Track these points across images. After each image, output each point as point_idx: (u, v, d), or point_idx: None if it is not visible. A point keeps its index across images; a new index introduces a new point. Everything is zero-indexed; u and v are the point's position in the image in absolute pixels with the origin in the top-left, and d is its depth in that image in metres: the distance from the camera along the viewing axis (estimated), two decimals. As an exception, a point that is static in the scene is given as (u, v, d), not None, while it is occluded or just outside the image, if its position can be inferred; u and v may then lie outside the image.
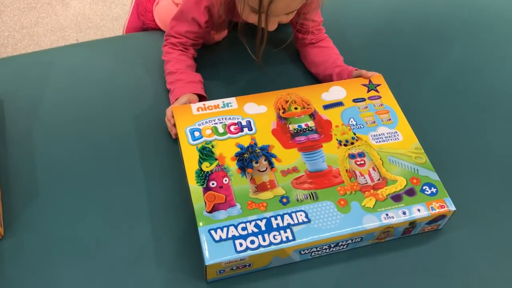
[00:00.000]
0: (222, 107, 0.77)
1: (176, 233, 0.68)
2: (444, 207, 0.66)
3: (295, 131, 0.74)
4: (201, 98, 0.83)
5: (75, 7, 1.86)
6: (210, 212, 0.65)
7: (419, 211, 0.65)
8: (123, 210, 0.70)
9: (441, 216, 0.67)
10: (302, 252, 0.64)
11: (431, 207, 0.66)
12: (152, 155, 0.77)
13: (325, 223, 0.64)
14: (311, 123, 0.75)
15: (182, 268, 0.65)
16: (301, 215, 0.65)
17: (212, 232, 0.63)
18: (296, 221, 0.64)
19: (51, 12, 1.84)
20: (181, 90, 0.80)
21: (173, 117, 0.76)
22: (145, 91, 0.87)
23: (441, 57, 0.96)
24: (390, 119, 0.76)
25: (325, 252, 0.66)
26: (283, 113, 0.76)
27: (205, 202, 0.66)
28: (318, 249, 0.65)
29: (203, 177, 0.68)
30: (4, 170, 0.73)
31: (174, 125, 0.76)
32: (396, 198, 0.67)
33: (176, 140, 0.76)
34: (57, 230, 0.67)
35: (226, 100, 0.78)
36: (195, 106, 0.77)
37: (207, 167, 0.70)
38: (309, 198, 0.66)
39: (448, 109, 0.87)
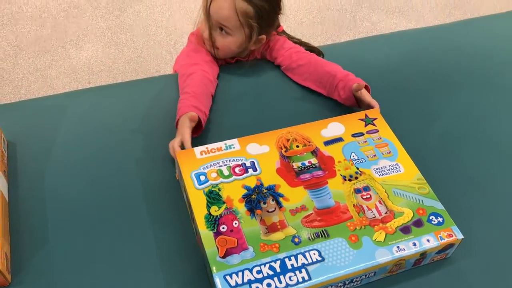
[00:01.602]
0: (225, 149, 0.79)
1: (187, 280, 0.69)
2: (452, 236, 0.68)
3: (299, 169, 0.76)
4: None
5: (88, 50, 1.89)
6: (223, 257, 0.65)
7: (428, 242, 0.68)
8: (131, 258, 0.70)
9: (450, 245, 0.69)
10: (318, 291, 0.66)
11: (440, 237, 0.68)
12: (159, 201, 0.77)
13: (339, 260, 0.65)
14: (314, 160, 0.77)
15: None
16: (314, 254, 0.66)
17: (228, 277, 0.63)
18: (310, 261, 0.65)
19: (64, 55, 1.87)
20: (185, 109, 0.84)
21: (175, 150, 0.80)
22: (154, 136, 0.87)
23: (449, 102, 0.98)
24: (390, 152, 0.79)
25: (340, 289, 0.68)
26: (285, 151, 0.78)
27: (217, 247, 0.66)
28: (333, 286, 0.66)
29: (213, 222, 0.69)
30: (15, 215, 0.73)
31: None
32: (405, 230, 0.69)
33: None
34: (64, 278, 0.67)
35: (228, 142, 0.80)
36: (198, 149, 0.78)
37: (215, 211, 0.71)
38: (320, 236, 0.68)
39: (453, 147, 0.89)
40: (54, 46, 1.92)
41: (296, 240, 0.68)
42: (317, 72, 0.95)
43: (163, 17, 2.07)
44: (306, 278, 0.64)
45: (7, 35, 1.94)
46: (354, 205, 0.72)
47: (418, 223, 0.70)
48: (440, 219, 0.70)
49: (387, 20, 1.98)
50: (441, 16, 2.02)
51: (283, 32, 1.08)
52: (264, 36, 0.96)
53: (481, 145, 0.90)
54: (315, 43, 1.91)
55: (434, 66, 1.07)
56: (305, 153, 0.78)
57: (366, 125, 0.83)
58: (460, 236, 0.69)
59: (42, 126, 0.87)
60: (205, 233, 0.68)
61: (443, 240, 0.68)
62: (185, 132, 0.80)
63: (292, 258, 0.66)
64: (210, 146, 0.79)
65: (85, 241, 0.72)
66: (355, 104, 0.91)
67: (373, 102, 0.87)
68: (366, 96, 0.88)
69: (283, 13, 0.97)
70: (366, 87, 0.89)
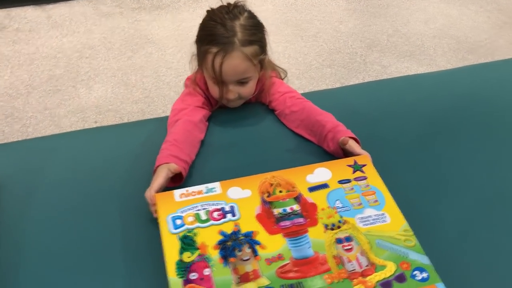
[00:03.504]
0: (205, 192, 0.78)
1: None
2: (437, 294, 0.65)
3: (280, 215, 0.75)
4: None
5: (98, 90, 1.96)
6: (191, 307, 0.64)
7: (411, 300, 0.64)
8: None
9: (435, 304, 0.65)
10: None
11: (423, 295, 0.65)
12: (139, 249, 0.77)
13: (313, 316, 0.63)
14: (296, 207, 0.76)
15: None
16: (287, 308, 0.63)
17: (193, 330, 0.61)
18: (281, 315, 0.63)
19: (74, 95, 1.94)
20: (164, 159, 0.83)
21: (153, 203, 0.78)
22: (141, 180, 0.85)
23: (450, 150, 0.96)
24: (376, 201, 0.77)
25: None
26: (267, 196, 0.77)
27: (186, 296, 0.65)
28: None
29: (184, 269, 0.68)
30: None
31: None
32: (386, 285, 0.66)
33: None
34: None
35: (210, 185, 0.79)
36: (178, 192, 0.78)
37: (188, 257, 0.69)
38: (295, 288, 0.65)
39: (447, 197, 0.86)
40: (65, 86, 1.99)
41: (269, 292, 0.65)
42: (309, 119, 0.95)
43: (174, 58, 2.14)
44: (276, 334, 0.61)
45: (22, 75, 2.03)
46: (334, 256, 0.69)
47: (400, 278, 0.66)
48: (424, 275, 0.67)
49: (398, 64, 1.99)
50: (454, 60, 2.02)
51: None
52: (267, 57, 0.99)
53: (479, 196, 0.87)
54: (323, 86, 1.94)
55: (437, 112, 1.06)
56: (287, 199, 0.77)
57: (354, 172, 0.81)
58: (446, 294, 0.65)
59: (29, 168, 0.89)
60: (174, 281, 0.66)
61: (426, 298, 0.64)
62: (155, 181, 0.80)
63: (263, 311, 0.63)
64: (191, 188, 0.79)
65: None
66: (343, 156, 0.88)
67: (363, 152, 0.85)
68: (355, 147, 0.85)
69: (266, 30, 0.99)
70: (355, 139, 0.88)
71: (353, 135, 0.88)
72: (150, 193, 0.78)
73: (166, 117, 1.04)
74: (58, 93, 1.97)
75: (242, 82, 0.94)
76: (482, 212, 0.84)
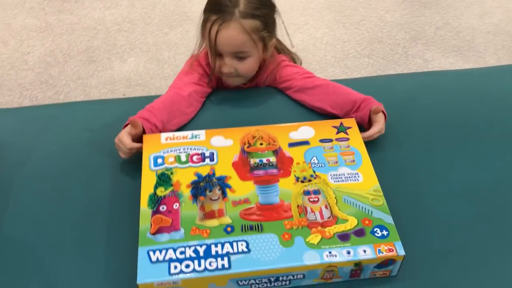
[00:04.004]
0: (190, 138, 0.87)
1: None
2: (393, 251, 0.68)
3: (255, 165, 0.82)
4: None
5: (131, 64, 2.11)
6: (153, 234, 0.72)
7: (364, 252, 0.68)
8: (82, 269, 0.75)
9: (390, 261, 0.69)
10: (240, 283, 0.69)
11: (379, 250, 0.69)
12: (121, 220, 0.81)
13: (264, 255, 0.69)
14: (272, 159, 0.82)
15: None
16: (242, 244, 0.70)
17: (151, 253, 0.69)
18: (235, 251, 0.69)
19: (107, 67, 2.10)
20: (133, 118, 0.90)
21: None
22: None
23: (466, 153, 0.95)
24: (353, 161, 0.81)
25: (267, 286, 0.70)
26: (247, 147, 0.84)
27: (151, 224, 0.73)
28: (257, 281, 0.69)
29: (155, 201, 0.76)
30: None
31: (128, 147, 0.86)
32: (343, 237, 0.70)
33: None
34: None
35: (196, 132, 0.88)
36: (165, 135, 0.87)
37: (161, 192, 0.78)
38: (254, 229, 0.72)
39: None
40: (100, 57, 2.16)
41: (229, 229, 0.72)
42: (336, 92, 0.98)
43: (209, 37, 2.25)
44: (226, 266, 0.67)
45: (62, 43, 2.23)
46: (298, 206, 0.75)
47: (359, 233, 0.71)
48: (385, 232, 0.71)
49: (442, 59, 1.98)
50: (505, 59, 1.98)
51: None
52: (274, 41, 1.02)
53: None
54: (357, 76, 1.97)
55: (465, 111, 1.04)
56: (266, 151, 0.84)
57: (338, 133, 0.86)
58: (402, 252, 0.68)
59: (30, 134, 0.97)
60: (144, 210, 0.75)
61: (381, 254, 0.68)
62: (123, 131, 0.88)
63: (219, 245, 0.70)
64: (177, 133, 0.88)
65: (38, 258, 0.76)
66: (367, 127, 0.93)
67: (382, 127, 0.90)
68: (380, 124, 0.90)
69: (277, 10, 1.02)
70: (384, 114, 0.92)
71: (383, 109, 0.92)
72: (120, 135, 0.87)
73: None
74: (93, 63, 2.14)
75: (240, 57, 0.97)
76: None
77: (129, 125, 0.88)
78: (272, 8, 1.00)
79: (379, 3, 2.34)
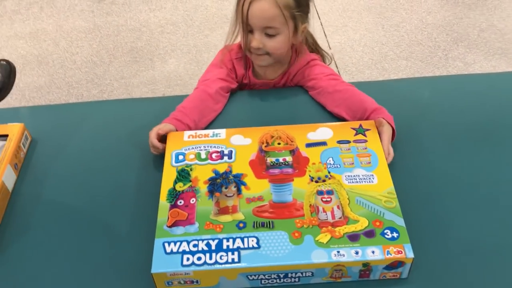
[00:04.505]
0: (211, 136, 0.89)
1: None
2: (402, 253, 0.68)
3: (272, 163, 0.83)
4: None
5: (172, 64, 2.20)
6: (170, 226, 0.75)
7: (373, 253, 0.68)
8: (105, 263, 0.79)
9: (400, 263, 0.69)
10: (250, 278, 0.71)
11: (387, 251, 0.68)
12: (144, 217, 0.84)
13: (273, 251, 0.70)
14: (289, 158, 0.84)
15: (138, 277, 0.75)
16: (252, 240, 0.72)
17: (166, 244, 0.73)
18: (246, 246, 0.71)
19: (149, 67, 2.20)
20: (167, 120, 0.95)
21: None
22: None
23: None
24: (369, 163, 0.81)
25: (276, 282, 0.71)
26: (265, 146, 0.86)
27: (168, 217, 0.76)
28: (266, 277, 0.70)
29: (173, 195, 0.80)
30: (12, 205, 0.87)
31: (153, 146, 0.91)
32: (353, 237, 0.71)
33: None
34: (35, 273, 0.78)
35: (217, 130, 0.90)
36: (188, 133, 0.90)
37: (180, 187, 0.81)
38: (265, 226, 0.73)
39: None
40: (143, 58, 2.25)
41: (241, 225, 0.74)
42: (353, 98, 0.98)
43: (248, 39, 2.29)
44: (236, 260, 0.69)
45: (108, 44, 2.34)
46: (310, 205, 0.76)
47: (369, 234, 0.71)
48: (395, 234, 0.70)
49: (484, 62, 1.91)
50: (553, 62, 1.89)
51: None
52: (305, 25, 1.03)
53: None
54: (395, 78, 1.94)
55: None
56: (283, 151, 0.85)
57: (356, 134, 0.86)
58: (411, 255, 0.68)
59: (66, 130, 1.03)
60: (163, 204, 0.79)
61: (389, 255, 0.68)
62: (158, 126, 0.92)
63: (230, 240, 0.72)
64: (200, 132, 0.91)
65: (64, 244, 0.81)
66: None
67: (388, 148, 0.87)
68: (384, 137, 0.87)
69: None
70: (393, 128, 0.90)
71: (392, 122, 0.90)
72: (150, 132, 0.92)
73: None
74: (136, 64, 2.23)
75: (269, 34, 0.99)
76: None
77: (160, 125, 0.93)
78: None
79: (421, 4, 2.30)
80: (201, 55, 2.24)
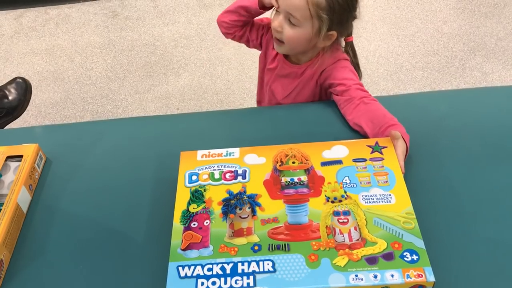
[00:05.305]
0: (225, 155, 0.89)
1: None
2: (422, 277, 0.66)
3: (286, 183, 0.82)
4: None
5: (185, 79, 2.21)
6: (184, 250, 0.74)
7: (392, 277, 0.66)
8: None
9: (420, 287, 0.66)
10: (265, 303, 0.69)
11: (407, 275, 0.66)
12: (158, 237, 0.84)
13: (290, 275, 0.69)
14: (304, 178, 0.82)
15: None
16: (268, 264, 0.70)
17: (180, 268, 0.72)
18: (261, 269, 0.70)
19: (163, 82, 2.22)
20: None
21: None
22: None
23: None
24: (387, 181, 0.79)
25: (291, 308, 0.70)
26: (279, 165, 0.85)
27: (182, 240, 0.75)
28: (282, 302, 0.69)
29: (187, 217, 0.79)
30: (27, 227, 0.88)
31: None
32: (371, 260, 0.69)
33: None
34: None
35: (230, 149, 0.89)
36: (201, 153, 0.90)
37: (194, 208, 0.80)
38: (281, 248, 0.72)
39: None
40: (157, 72, 2.27)
41: (256, 248, 0.73)
42: (376, 112, 0.96)
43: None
44: (251, 284, 0.68)
45: (122, 59, 2.36)
46: (327, 227, 0.74)
47: (388, 256, 0.69)
48: (415, 257, 0.68)
49: (503, 71, 1.88)
50: None
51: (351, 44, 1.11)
52: (334, 33, 1.00)
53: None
54: (411, 89, 1.91)
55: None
56: (298, 170, 0.84)
57: (372, 152, 0.85)
58: (432, 279, 0.66)
59: (80, 149, 1.03)
60: (177, 226, 0.78)
61: (409, 279, 0.66)
62: None
63: (246, 263, 0.71)
64: (213, 151, 0.90)
65: (78, 267, 0.81)
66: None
67: (399, 154, 0.85)
68: (399, 151, 0.85)
69: (359, 17, 1.02)
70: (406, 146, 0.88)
71: (407, 140, 0.89)
72: None
73: (227, 111, 1.15)
74: (150, 78, 2.24)
75: (291, 22, 0.99)
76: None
77: None
78: (347, 3, 0.98)
79: (436, 14, 2.27)
80: (214, 69, 2.25)
